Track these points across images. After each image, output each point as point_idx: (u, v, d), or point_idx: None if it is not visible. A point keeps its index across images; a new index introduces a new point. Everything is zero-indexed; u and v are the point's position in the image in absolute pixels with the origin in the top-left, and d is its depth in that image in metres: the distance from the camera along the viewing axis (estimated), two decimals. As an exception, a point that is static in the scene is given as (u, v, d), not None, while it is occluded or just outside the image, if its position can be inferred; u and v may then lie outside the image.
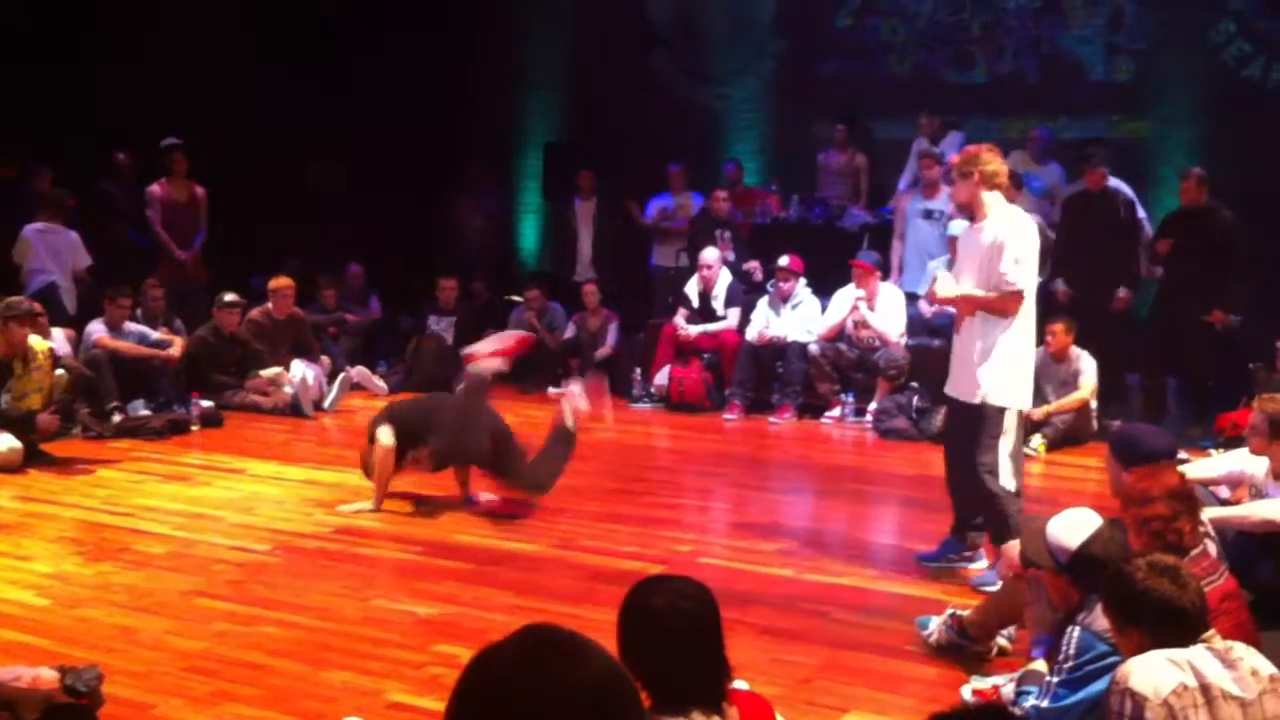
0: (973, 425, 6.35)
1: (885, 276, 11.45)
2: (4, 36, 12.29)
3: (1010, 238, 6.21)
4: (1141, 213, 11.01)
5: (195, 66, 13.04)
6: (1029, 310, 6.35)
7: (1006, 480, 6.27)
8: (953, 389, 6.55)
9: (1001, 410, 6.29)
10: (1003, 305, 6.26)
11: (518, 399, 11.89)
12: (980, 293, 6.29)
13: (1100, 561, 4.19)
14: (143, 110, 12.51)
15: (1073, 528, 4.42)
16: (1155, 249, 10.65)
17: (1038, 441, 9.74)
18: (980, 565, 6.57)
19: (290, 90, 13.53)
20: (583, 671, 1.76)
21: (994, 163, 6.34)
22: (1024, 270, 6.22)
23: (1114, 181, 10.92)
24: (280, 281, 11.77)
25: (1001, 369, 6.28)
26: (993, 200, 6.36)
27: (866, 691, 5.00)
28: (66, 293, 11.38)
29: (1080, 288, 10.73)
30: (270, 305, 11.71)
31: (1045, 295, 9.37)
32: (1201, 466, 6.32)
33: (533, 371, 12.53)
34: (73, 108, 12.32)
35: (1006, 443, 6.28)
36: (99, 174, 12.60)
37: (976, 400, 6.32)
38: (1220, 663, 3.37)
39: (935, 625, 5.38)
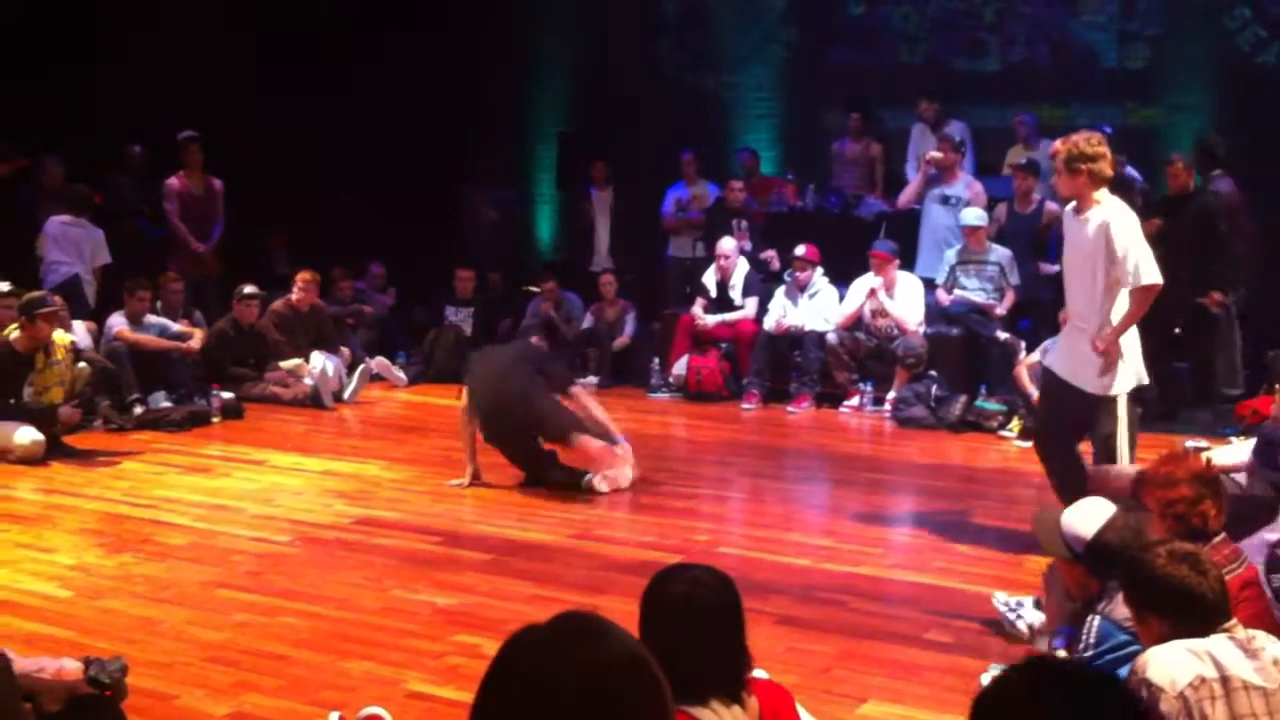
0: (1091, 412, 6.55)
1: (902, 265, 11.43)
2: (14, 31, 12.31)
3: (1120, 237, 6.33)
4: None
5: (201, 61, 13.06)
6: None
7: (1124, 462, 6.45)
8: (1066, 372, 6.64)
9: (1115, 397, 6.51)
10: (1143, 307, 6.43)
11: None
12: (1113, 314, 6.43)
13: (1116, 549, 4.19)
14: (154, 104, 12.53)
15: (1087, 516, 4.42)
16: (1146, 229, 10.55)
17: None
18: None
19: (300, 85, 13.55)
20: (608, 655, 1.82)
21: (1102, 160, 6.38)
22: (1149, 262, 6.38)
23: (1127, 169, 10.88)
24: (304, 274, 11.82)
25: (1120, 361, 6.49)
26: (1100, 196, 6.45)
27: (884, 680, 5.02)
28: (88, 285, 11.42)
29: None
30: (293, 296, 11.75)
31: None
32: (1223, 454, 6.32)
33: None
34: (84, 101, 12.33)
35: (1125, 426, 6.50)
36: (111, 167, 12.62)
37: (1099, 392, 6.48)
38: (1242, 653, 3.35)
39: (1028, 611, 5.38)
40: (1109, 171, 6.44)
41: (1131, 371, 6.51)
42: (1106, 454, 6.48)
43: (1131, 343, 6.52)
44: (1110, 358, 6.38)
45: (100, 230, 11.51)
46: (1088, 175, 6.37)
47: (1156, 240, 10.30)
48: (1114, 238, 6.31)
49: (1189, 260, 10.20)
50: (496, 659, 1.84)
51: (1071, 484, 6.66)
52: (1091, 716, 1.85)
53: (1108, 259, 6.35)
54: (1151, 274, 6.34)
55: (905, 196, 12.08)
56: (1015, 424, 9.90)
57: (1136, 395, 6.67)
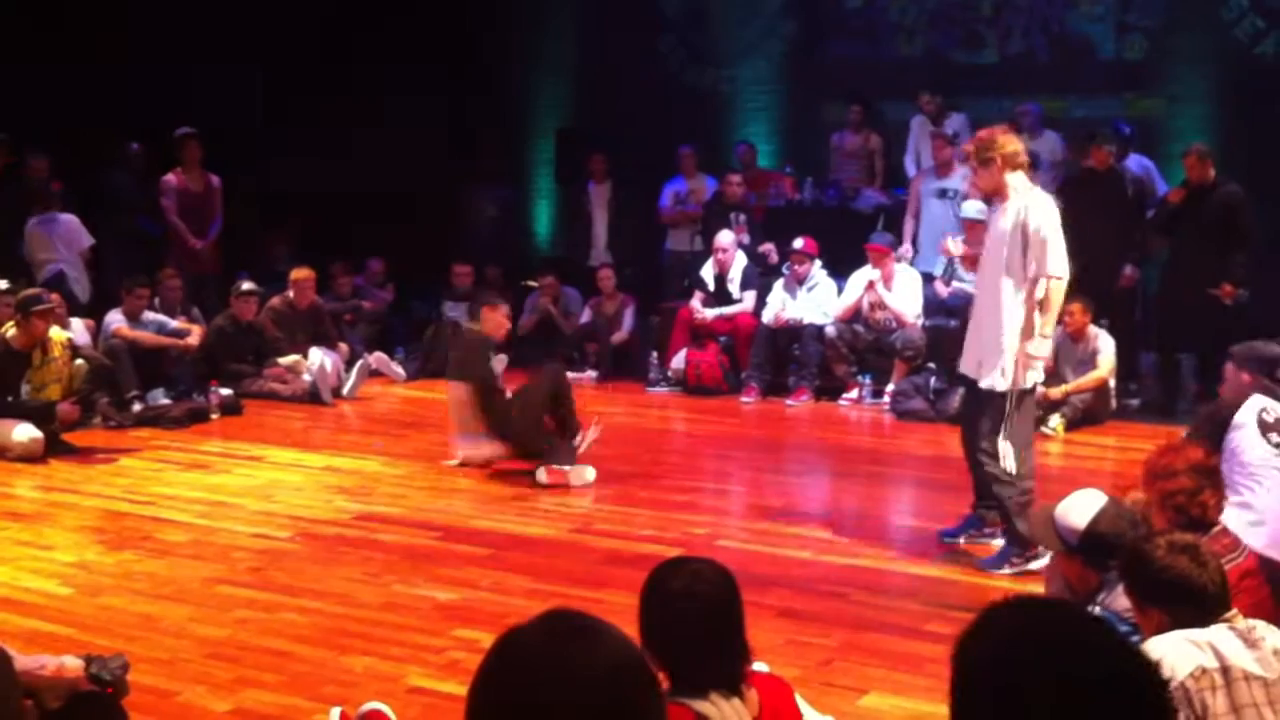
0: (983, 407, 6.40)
1: (897, 249, 11.41)
2: (11, 29, 12.30)
3: (1040, 225, 6.20)
4: (1164, 187, 10.98)
5: (201, 58, 13.05)
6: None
7: (1008, 463, 6.30)
8: (969, 369, 6.55)
9: (1005, 394, 6.31)
10: (1059, 299, 6.32)
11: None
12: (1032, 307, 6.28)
13: (1109, 538, 4.19)
14: (152, 101, 12.53)
15: (1079, 508, 4.42)
16: (1167, 199, 10.55)
17: (1056, 421, 9.71)
18: (998, 543, 6.59)
19: (299, 83, 13.54)
20: (600, 654, 1.80)
21: (1012, 144, 6.32)
22: (1060, 255, 6.23)
23: (1135, 157, 10.90)
24: (302, 273, 11.82)
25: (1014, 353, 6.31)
26: (1016, 181, 6.33)
27: (885, 672, 5.02)
28: (76, 281, 11.41)
29: (1086, 266, 10.70)
30: (291, 294, 11.75)
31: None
32: None
33: (548, 357, 12.58)
34: (82, 98, 12.33)
35: (1009, 425, 6.29)
36: (109, 165, 12.61)
37: (985, 385, 6.35)
38: (1242, 643, 3.36)
39: None
40: (1021, 154, 6.33)
41: (1024, 369, 6.28)
42: (990, 450, 6.30)
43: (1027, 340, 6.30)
44: (1020, 353, 6.23)
45: (71, 216, 11.52)
46: (1001, 161, 6.25)
47: (1174, 223, 10.41)
48: (1029, 223, 6.20)
49: (1210, 250, 10.20)
50: (487, 662, 1.83)
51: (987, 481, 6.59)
52: (1086, 652, 1.81)
53: (1023, 247, 6.22)
54: (1058, 266, 6.20)
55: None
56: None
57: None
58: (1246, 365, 5.77)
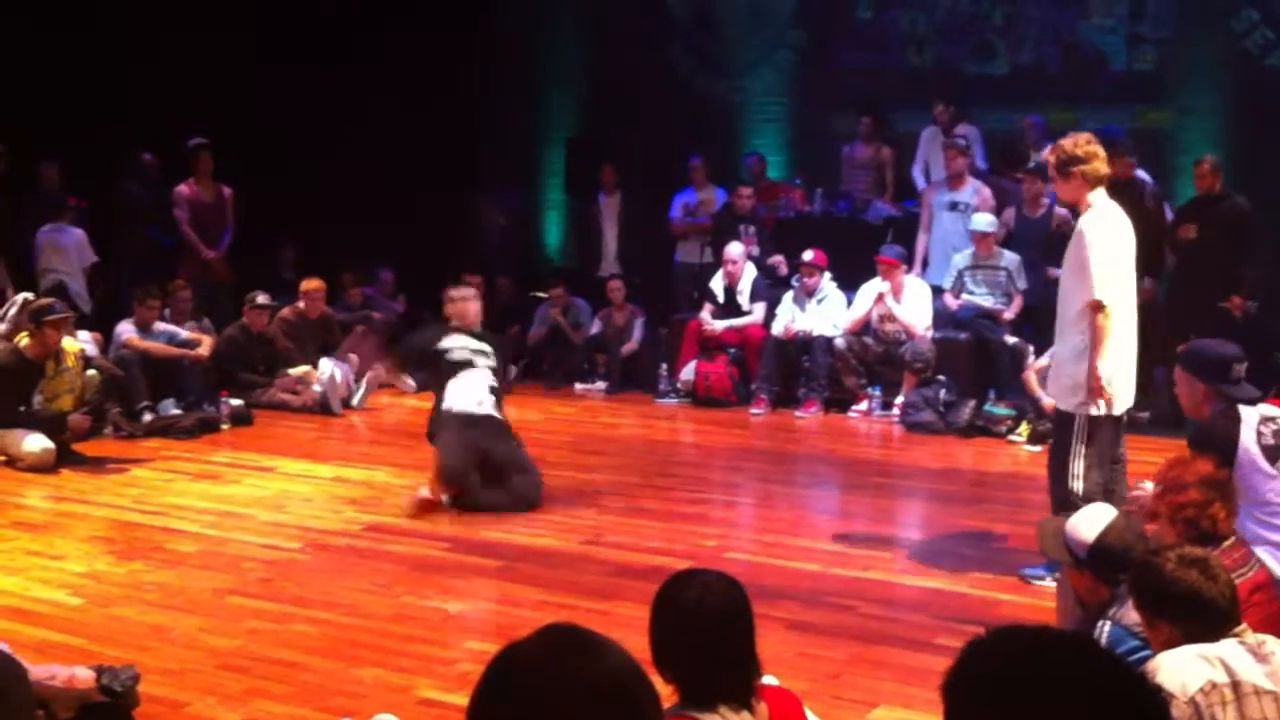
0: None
1: (909, 270, 11.43)
2: (24, 36, 12.34)
3: (1091, 246, 6.09)
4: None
5: (210, 69, 13.08)
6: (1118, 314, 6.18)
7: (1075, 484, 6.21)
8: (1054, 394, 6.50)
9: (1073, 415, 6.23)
10: (1099, 323, 6.12)
11: (544, 395, 11.99)
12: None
13: (1118, 552, 4.19)
14: (166, 111, 12.56)
15: (1089, 522, 4.42)
16: (1176, 234, 10.57)
17: (1023, 429, 9.85)
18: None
19: (308, 93, 13.57)
20: (598, 669, 1.80)
21: (1095, 158, 6.17)
22: (1105, 278, 6.08)
23: (1138, 171, 10.86)
24: (312, 283, 11.85)
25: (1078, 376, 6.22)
26: (1094, 199, 6.20)
27: (894, 686, 5.01)
28: (78, 295, 11.45)
29: None
30: (302, 305, 11.78)
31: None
32: None
33: (558, 368, 12.61)
34: (97, 108, 12.36)
35: (1077, 447, 6.21)
36: (123, 175, 12.65)
37: (1057, 403, 6.32)
38: (1252, 657, 3.35)
39: None
40: (1104, 170, 6.21)
41: (1090, 394, 6.12)
42: (1059, 468, 6.24)
43: (1110, 364, 6.12)
44: (1093, 383, 6.09)
45: (80, 230, 11.62)
46: (1080, 177, 6.17)
47: (1186, 244, 10.40)
48: (1086, 246, 6.11)
49: (1217, 263, 10.20)
50: (486, 677, 1.83)
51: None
52: (1075, 679, 1.80)
53: (1079, 268, 6.14)
54: (1099, 289, 6.05)
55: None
56: (1024, 428, 9.90)
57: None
58: (1200, 374, 5.67)
